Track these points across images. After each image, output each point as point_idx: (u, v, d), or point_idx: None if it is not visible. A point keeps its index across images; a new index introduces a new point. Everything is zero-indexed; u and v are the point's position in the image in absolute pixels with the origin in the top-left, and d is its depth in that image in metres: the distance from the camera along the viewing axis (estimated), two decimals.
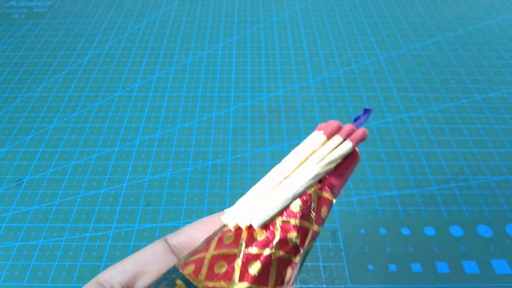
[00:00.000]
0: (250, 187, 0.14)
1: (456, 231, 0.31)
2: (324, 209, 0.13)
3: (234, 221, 0.13)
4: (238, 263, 0.12)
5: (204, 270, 0.12)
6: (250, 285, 0.11)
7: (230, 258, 0.12)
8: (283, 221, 0.13)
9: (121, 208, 0.33)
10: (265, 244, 0.12)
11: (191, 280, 0.12)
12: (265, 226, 0.13)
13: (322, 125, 0.15)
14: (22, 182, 0.35)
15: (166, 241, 0.15)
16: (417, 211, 0.33)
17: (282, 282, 0.12)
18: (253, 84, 0.45)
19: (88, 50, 0.50)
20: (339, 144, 0.14)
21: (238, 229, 0.13)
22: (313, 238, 0.13)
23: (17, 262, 0.30)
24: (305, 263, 0.29)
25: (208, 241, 0.13)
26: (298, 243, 0.12)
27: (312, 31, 0.53)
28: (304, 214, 0.13)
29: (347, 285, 0.28)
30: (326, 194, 0.14)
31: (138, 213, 0.33)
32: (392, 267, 0.29)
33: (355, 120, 0.15)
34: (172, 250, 0.15)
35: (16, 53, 0.50)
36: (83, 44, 0.52)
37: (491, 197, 0.34)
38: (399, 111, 0.41)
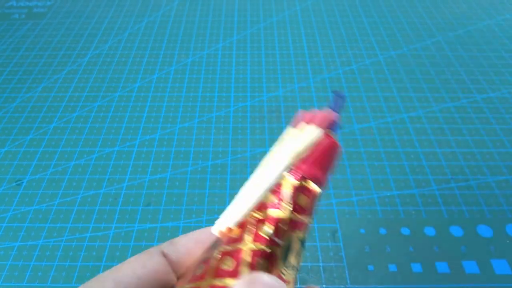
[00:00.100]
0: None
1: (456, 231, 0.31)
2: (302, 198, 0.13)
3: (217, 228, 0.14)
4: (213, 262, 0.12)
5: None
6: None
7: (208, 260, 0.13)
8: (255, 216, 0.13)
9: (121, 208, 0.33)
10: (238, 240, 0.13)
11: None
12: (240, 224, 0.13)
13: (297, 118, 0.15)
14: (22, 182, 0.35)
15: (163, 253, 0.15)
16: (417, 211, 0.33)
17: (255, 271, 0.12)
18: (253, 84, 0.45)
19: (88, 50, 0.50)
20: (309, 132, 0.14)
21: (222, 233, 0.14)
22: (296, 228, 0.13)
23: (17, 262, 0.30)
24: (303, 262, 0.29)
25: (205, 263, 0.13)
26: (272, 234, 0.12)
27: (312, 31, 0.53)
28: (278, 205, 0.13)
29: (347, 285, 0.28)
30: (302, 183, 0.14)
31: (138, 213, 0.33)
32: (392, 267, 0.29)
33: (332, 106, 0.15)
34: (171, 265, 0.15)
35: (16, 53, 0.50)
36: (83, 44, 0.52)
37: (491, 197, 0.34)
38: (399, 111, 0.41)
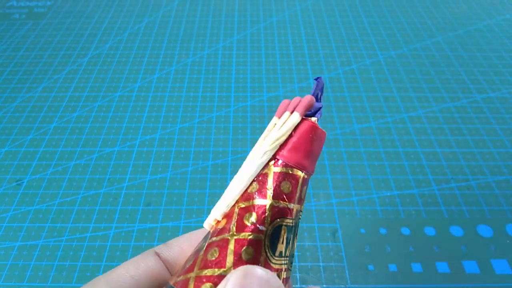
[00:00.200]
0: None
1: (456, 231, 0.31)
2: (285, 184, 0.13)
3: (207, 222, 0.14)
4: (200, 254, 0.13)
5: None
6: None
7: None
8: (240, 205, 0.13)
9: (122, 208, 0.33)
10: (224, 230, 0.13)
11: None
12: (226, 215, 0.13)
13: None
14: (23, 182, 0.35)
15: (157, 255, 0.15)
16: (417, 211, 0.33)
17: (240, 259, 0.12)
18: (253, 84, 0.45)
19: (89, 50, 0.51)
20: (288, 119, 0.14)
21: (210, 226, 0.14)
22: (282, 215, 0.13)
23: (18, 262, 0.30)
24: (303, 262, 0.29)
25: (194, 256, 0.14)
26: (256, 222, 0.13)
27: (312, 31, 0.53)
28: (260, 193, 0.13)
29: (347, 285, 0.28)
30: (284, 169, 0.14)
31: (138, 213, 0.33)
32: (392, 267, 0.29)
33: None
34: (165, 265, 0.15)
35: (17, 53, 0.50)
36: (83, 44, 0.52)
37: (491, 197, 0.34)
38: (399, 111, 0.41)
